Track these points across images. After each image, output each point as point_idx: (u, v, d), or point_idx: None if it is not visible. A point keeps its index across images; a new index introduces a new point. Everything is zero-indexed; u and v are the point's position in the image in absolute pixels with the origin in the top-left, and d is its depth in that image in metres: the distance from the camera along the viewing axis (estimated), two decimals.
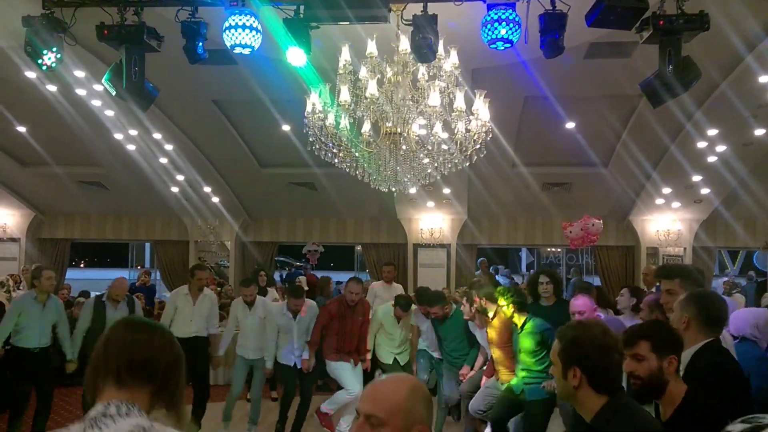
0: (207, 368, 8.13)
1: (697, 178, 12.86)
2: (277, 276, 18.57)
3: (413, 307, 8.05)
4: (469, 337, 7.35)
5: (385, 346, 8.02)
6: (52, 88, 9.91)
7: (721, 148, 11.32)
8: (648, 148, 11.69)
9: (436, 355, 7.88)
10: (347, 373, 7.54)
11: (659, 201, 14.12)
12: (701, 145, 11.19)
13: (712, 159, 11.79)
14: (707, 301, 3.38)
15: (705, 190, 13.59)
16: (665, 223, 15.03)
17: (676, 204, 14.31)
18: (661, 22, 5.43)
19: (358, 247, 18.29)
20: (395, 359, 7.98)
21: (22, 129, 12.13)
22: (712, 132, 10.75)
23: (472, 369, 7.26)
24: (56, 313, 7.23)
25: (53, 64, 6.13)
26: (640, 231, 15.16)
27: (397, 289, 9.54)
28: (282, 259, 18.49)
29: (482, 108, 6.48)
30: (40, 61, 6.07)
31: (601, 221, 12.32)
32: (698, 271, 4.24)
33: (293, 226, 16.51)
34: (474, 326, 7.14)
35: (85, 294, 12.65)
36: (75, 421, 1.84)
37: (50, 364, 7.17)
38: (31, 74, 9.24)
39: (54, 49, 6.05)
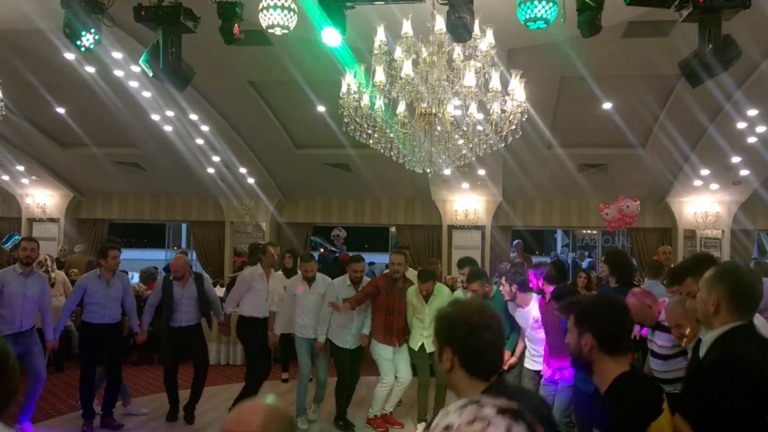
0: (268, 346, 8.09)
1: (736, 159, 12.65)
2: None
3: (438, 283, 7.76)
4: (508, 321, 6.81)
5: (416, 328, 7.67)
6: (90, 69, 10.04)
7: (761, 128, 11.11)
8: (686, 129, 11.50)
9: None
10: (386, 362, 7.52)
11: (697, 183, 13.91)
12: (741, 125, 11.00)
13: (752, 140, 11.58)
14: (738, 277, 2.80)
15: (744, 172, 13.37)
16: (703, 205, 14.81)
17: (714, 186, 14.08)
18: (701, 0, 5.31)
19: (393, 229, 18.31)
20: (422, 345, 7.58)
21: (61, 110, 12.35)
22: (752, 112, 10.56)
23: (513, 355, 6.91)
24: (122, 290, 7.47)
25: (92, 46, 6.20)
26: (677, 213, 14.97)
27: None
28: (317, 240, 18.53)
29: (518, 88, 6.39)
30: (78, 42, 6.14)
31: (638, 203, 12.22)
32: (709, 258, 3.64)
33: (328, 207, 16.58)
34: (513, 308, 6.75)
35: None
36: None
37: (117, 341, 7.48)
38: (69, 56, 9.38)
39: (92, 31, 6.12)
